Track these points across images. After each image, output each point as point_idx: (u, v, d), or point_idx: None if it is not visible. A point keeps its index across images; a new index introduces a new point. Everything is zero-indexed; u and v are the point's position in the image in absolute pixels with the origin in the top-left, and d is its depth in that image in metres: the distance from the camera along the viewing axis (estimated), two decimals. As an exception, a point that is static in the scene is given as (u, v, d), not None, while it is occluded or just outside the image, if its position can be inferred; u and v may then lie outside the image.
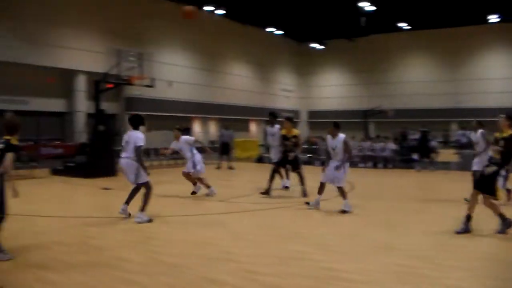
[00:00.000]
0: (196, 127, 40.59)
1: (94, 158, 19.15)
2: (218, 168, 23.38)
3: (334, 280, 6.12)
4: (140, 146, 9.85)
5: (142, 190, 10.13)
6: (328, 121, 12.75)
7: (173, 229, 9.33)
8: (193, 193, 13.66)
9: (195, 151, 13.76)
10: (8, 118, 7.45)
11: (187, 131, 31.88)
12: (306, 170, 14.41)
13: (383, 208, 12.10)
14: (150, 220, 9.77)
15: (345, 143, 11.53)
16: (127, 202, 10.19)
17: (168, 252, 7.43)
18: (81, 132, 26.88)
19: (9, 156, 6.95)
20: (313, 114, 53.31)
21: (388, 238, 8.46)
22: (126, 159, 10.06)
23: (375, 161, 24.82)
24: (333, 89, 52.76)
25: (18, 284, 5.92)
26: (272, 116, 15.86)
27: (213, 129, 42.31)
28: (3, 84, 26.99)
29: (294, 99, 53.54)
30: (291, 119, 14.65)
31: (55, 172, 20.00)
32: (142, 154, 10.12)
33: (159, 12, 35.14)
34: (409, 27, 44.27)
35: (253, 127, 48.27)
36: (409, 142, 25.10)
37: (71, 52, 29.63)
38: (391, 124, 38.71)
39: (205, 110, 40.19)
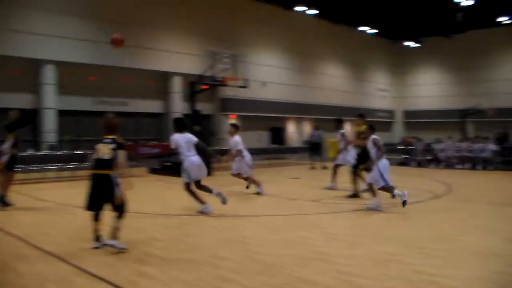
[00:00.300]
0: (290, 127, 40.67)
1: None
2: (312, 168, 23.38)
3: (430, 285, 5.96)
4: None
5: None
6: (424, 121, 12.44)
7: (266, 228, 9.41)
8: (258, 193, 13.83)
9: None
10: (108, 118, 7.86)
11: (278, 131, 32.09)
12: (401, 171, 14.11)
13: (482, 211, 11.69)
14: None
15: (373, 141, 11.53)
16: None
17: (262, 251, 7.50)
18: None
19: (122, 154, 7.58)
20: (408, 114, 52.13)
21: (488, 243, 8.15)
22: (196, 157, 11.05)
23: (474, 162, 23.99)
24: (428, 88, 51.34)
25: (119, 277, 6.16)
26: (337, 121, 15.99)
27: (307, 129, 42.27)
28: (104, 87, 28.25)
29: (389, 99, 52.58)
30: (363, 115, 14.51)
31: (153, 171, 20.65)
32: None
33: (252, 13, 35.53)
34: (509, 21, 42.31)
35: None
36: (511, 142, 24.10)
37: (167, 55, 30.50)
38: (491, 123, 37.28)
39: (299, 110, 40.19)
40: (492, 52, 46.93)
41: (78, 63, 26.38)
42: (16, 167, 12.38)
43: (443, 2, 35.00)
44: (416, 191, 13.62)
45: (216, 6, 33.15)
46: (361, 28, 44.84)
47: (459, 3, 34.42)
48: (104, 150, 7.59)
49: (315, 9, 37.48)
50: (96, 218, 7.65)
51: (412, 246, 7.87)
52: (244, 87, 22.56)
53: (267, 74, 36.91)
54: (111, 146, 7.59)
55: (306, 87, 41.29)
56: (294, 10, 37.13)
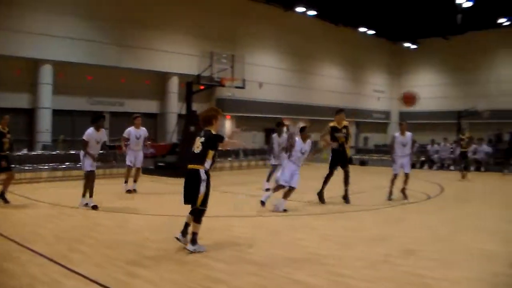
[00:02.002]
0: (290, 129, 40.69)
1: (184, 158, 19.55)
2: None
3: (421, 286, 5.97)
4: (82, 139, 11.55)
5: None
6: (420, 122, 12.48)
7: (259, 229, 9.40)
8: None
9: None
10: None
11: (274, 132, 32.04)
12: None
13: (474, 212, 11.72)
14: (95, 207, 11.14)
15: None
16: (89, 195, 11.61)
17: (254, 252, 7.49)
18: (172, 133, 27.58)
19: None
20: (404, 115, 52.12)
21: (480, 244, 8.16)
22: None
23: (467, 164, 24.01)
24: (425, 89, 51.33)
25: (109, 278, 6.12)
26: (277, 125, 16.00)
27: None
28: (101, 87, 28.22)
29: (385, 100, 52.62)
30: (343, 110, 14.21)
31: (147, 171, 20.60)
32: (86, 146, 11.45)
33: (251, 14, 35.52)
34: (508, 23, 42.35)
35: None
36: (504, 144, 24.17)
37: (164, 55, 30.48)
38: (486, 125, 37.33)
39: (295, 111, 40.17)
40: (489, 54, 47.00)
41: (75, 62, 26.35)
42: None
43: (443, 3, 35.01)
44: (410, 192, 13.62)
45: (215, 6, 33.12)
46: (361, 29, 44.86)
47: (459, 4, 34.43)
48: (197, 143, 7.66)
49: (314, 10, 37.50)
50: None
51: (404, 248, 7.88)
52: (241, 87, 22.55)
53: (264, 74, 36.89)
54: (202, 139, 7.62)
55: (303, 88, 41.29)
56: (293, 10, 37.14)
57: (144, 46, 29.46)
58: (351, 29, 44.25)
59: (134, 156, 14.91)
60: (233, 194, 14.57)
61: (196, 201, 7.43)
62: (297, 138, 11.61)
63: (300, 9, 36.88)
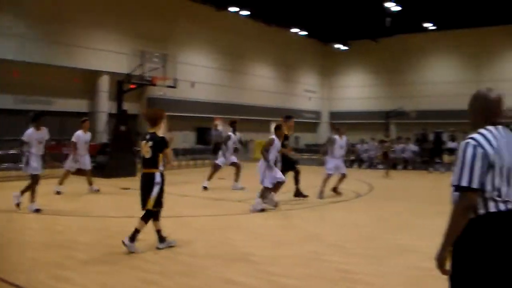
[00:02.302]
0: (218, 127, 40.65)
1: (114, 158, 19.27)
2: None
3: (350, 282, 6.10)
4: (21, 139, 11.00)
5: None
6: (350, 122, 12.81)
7: (190, 229, 9.37)
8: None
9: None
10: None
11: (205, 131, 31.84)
12: (324, 171, 14.32)
13: (401, 210, 12.05)
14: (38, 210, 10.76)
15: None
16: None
17: (185, 252, 7.47)
18: (103, 132, 27.09)
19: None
20: (334, 115, 53.03)
21: (405, 240, 8.42)
22: None
23: (395, 163, 24.66)
24: (355, 90, 52.44)
25: (34, 281, 5.97)
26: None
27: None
28: (28, 85, 27.30)
29: (316, 100, 53.38)
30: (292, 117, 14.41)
31: (76, 171, 20.15)
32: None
33: (184, 13, 35.28)
34: (434, 27, 43.86)
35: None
36: (430, 143, 24.95)
37: (95, 53, 29.86)
38: (412, 125, 38.39)
39: (227, 110, 40.18)
40: (416, 57, 48.48)
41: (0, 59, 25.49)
42: None
43: (373, 6, 35.83)
44: (341, 190, 13.89)
45: (147, 4, 32.74)
46: (293, 30, 45.30)
47: (388, 8, 35.37)
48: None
49: (247, 10, 37.61)
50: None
51: (335, 245, 8.03)
52: (173, 87, 22.38)
53: (196, 74, 36.72)
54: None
55: (235, 88, 41.36)
56: (226, 10, 37.13)
57: (74, 43, 28.77)
58: (283, 29, 44.64)
59: (82, 159, 14.61)
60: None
61: (147, 203, 7.52)
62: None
63: (233, 9, 36.94)
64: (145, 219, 7.61)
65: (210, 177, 15.54)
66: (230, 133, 16.04)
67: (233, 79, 41.34)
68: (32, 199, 10.95)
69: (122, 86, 20.48)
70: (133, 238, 7.42)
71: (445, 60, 48.40)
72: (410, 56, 48.25)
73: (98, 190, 14.44)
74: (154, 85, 22.05)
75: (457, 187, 3.22)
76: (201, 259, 7.09)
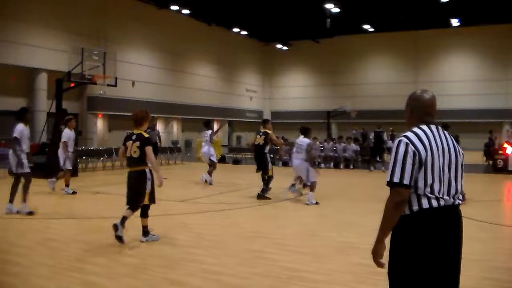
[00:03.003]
0: (159, 127, 40.33)
1: (54, 159, 18.81)
2: None
3: (296, 280, 6.15)
4: (15, 137, 10.44)
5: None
6: (291, 121, 12.98)
7: (133, 231, 9.24)
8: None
9: None
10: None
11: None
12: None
13: (343, 208, 12.25)
14: (31, 212, 10.53)
15: None
16: (11, 200, 10.85)
17: (128, 253, 7.38)
18: (42, 132, 26.42)
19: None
20: (276, 114, 53.42)
21: (348, 238, 8.56)
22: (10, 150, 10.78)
23: (337, 162, 25.00)
24: (297, 89, 53.01)
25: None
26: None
27: (175, 129, 42.25)
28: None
29: (257, 100, 53.64)
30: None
31: (12, 172, 19.59)
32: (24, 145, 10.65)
33: (124, 11, 34.91)
34: (372, 29, 44.79)
35: (217, 127, 48.17)
36: (369, 142, 25.40)
37: (33, 50, 29.16)
38: (352, 125, 39.05)
39: (169, 110, 39.97)
40: (356, 57, 49.41)
41: None
42: None
43: (313, 7, 36.27)
44: (283, 190, 13.97)
45: (88, 1, 32.19)
46: (234, 30, 45.38)
47: (328, 9, 35.87)
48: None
49: (188, 9, 37.48)
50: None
51: (279, 244, 8.07)
52: (113, 85, 22.01)
53: (137, 72, 36.37)
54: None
55: (176, 87, 41.16)
56: (167, 9, 36.89)
57: (11, 39, 28.01)
58: (224, 29, 44.70)
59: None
60: (107, 194, 14.20)
61: (139, 199, 7.97)
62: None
63: (174, 8, 36.72)
64: (145, 214, 8.18)
65: None
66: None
67: (174, 78, 41.17)
68: (24, 199, 10.74)
69: (61, 84, 20.01)
70: (146, 233, 8.16)
71: (384, 61, 49.54)
72: (350, 57, 49.15)
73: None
74: (95, 83, 21.64)
75: (389, 183, 3.32)
76: (144, 259, 7.03)
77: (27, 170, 10.71)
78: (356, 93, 47.98)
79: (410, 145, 3.31)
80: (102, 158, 23.16)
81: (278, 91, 54.84)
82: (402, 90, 46.96)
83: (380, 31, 45.21)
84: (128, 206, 7.96)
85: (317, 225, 9.93)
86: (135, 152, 7.91)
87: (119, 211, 10.25)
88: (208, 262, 6.89)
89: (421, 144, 3.32)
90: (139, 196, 7.95)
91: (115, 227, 7.62)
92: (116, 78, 21.90)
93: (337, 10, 36.13)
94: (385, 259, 3.42)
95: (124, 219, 7.80)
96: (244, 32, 46.91)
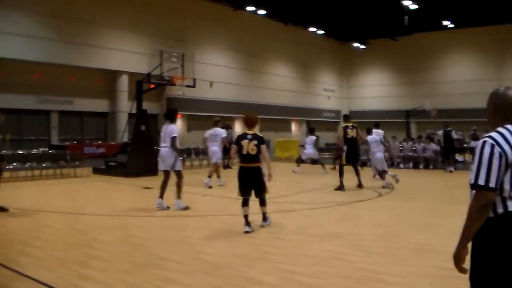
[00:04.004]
0: (237, 127, 40.71)
1: (135, 158, 19.38)
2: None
3: (372, 281, 6.07)
4: (175, 137, 11.15)
5: (174, 180, 11.18)
6: (369, 121, 12.81)
7: (212, 229, 9.38)
8: None
9: None
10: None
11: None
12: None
13: (420, 209, 11.99)
14: (186, 208, 11.16)
15: None
16: (161, 196, 11.27)
17: (207, 251, 7.48)
18: (123, 132, 27.27)
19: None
20: (354, 114, 52.80)
21: (427, 240, 8.36)
22: (165, 148, 11.33)
23: (416, 162, 24.45)
24: (375, 89, 52.30)
25: (60, 280, 6.03)
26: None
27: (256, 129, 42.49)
28: (49, 85, 27.65)
29: (335, 99, 53.26)
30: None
31: (97, 171, 20.33)
32: (178, 144, 11.40)
33: (202, 12, 35.46)
34: (452, 25, 43.55)
35: (294, 127, 48.23)
36: (441, 142, 24.64)
37: (114, 53, 30.11)
38: (433, 124, 38.15)
39: (246, 110, 40.16)
40: (435, 55, 48.16)
41: (22, 60, 25.75)
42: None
43: (391, 5, 35.68)
44: (364, 190, 13.86)
45: (166, 4, 32.92)
46: (310, 29, 45.27)
47: (406, 6, 35.20)
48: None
49: (264, 9, 37.67)
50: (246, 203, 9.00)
51: (356, 244, 7.99)
52: (191, 86, 22.41)
53: (215, 73, 36.87)
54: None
55: (253, 87, 41.44)
56: (244, 9, 37.21)
57: (94, 44, 29.04)
58: (301, 28, 44.63)
59: None
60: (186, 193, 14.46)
61: (262, 192, 9.06)
62: None
63: (250, 8, 37.00)
64: (264, 203, 9.21)
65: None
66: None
67: (251, 78, 41.42)
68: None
69: (141, 86, 20.58)
70: (265, 218, 9.36)
71: (465, 58, 48.03)
72: (429, 54, 47.96)
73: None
74: (174, 84, 22.11)
75: (474, 186, 3.20)
76: (221, 258, 7.11)
77: (181, 168, 11.51)
78: (436, 91, 46.80)
79: (496, 146, 3.16)
80: (181, 158, 23.54)
81: (355, 90, 54.30)
82: (484, 88, 45.40)
83: (460, 27, 43.88)
84: (260, 202, 9.15)
85: (393, 226, 9.76)
86: (252, 149, 8.81)
87: (202, 208, 10.46)
88: (283, 261, 6.90)
89: (507, 145, 3.17)
90: (264, 189, 9.01)
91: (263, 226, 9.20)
92: (194, 79, 22.29)
93: (415, 6, 35.38)
94: (466, 262, 3.33)
95: (264, 215, 9.29)
96: (320, 32, 46.68)
